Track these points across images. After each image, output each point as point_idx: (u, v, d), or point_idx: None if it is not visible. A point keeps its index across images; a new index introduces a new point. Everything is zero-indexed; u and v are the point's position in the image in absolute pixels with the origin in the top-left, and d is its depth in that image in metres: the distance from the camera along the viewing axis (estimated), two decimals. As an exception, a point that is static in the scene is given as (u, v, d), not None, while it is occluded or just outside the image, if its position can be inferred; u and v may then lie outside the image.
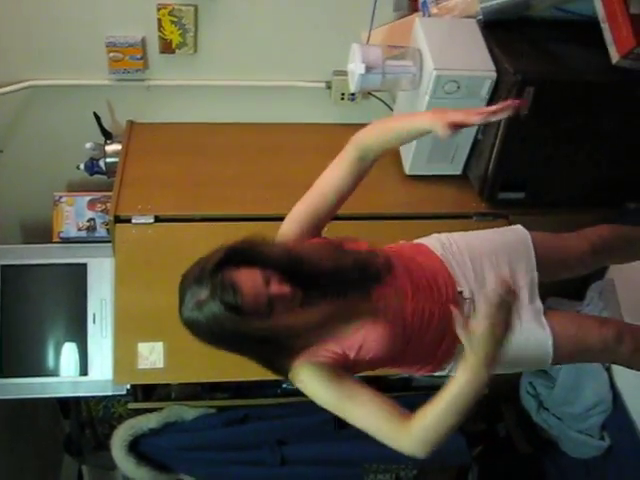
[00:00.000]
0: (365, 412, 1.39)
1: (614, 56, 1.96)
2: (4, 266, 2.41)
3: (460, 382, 1.28)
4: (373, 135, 1.59)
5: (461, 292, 1.60)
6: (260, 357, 1.46)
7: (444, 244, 1.69)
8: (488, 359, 1.25)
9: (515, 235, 1.77)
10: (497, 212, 2.25)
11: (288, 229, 1.58)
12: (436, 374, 1.66)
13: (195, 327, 1.41)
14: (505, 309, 1.23)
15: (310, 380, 1.39)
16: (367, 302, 1.45)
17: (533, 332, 1.63)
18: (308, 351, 1.38)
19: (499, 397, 2.81)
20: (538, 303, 1.68)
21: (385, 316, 1.45)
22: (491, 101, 2.07)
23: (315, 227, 1.58)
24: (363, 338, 1.42)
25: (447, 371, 1.63)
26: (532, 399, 2.63)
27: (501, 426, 2.96)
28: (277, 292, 1.32)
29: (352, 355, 1.42)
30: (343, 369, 1.40)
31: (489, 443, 2.90)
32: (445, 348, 1.57)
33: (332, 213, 1.60)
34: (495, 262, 1.67)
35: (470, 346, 1.26)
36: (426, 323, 1.52)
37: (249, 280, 1.32)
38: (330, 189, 1.60)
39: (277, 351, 1.39)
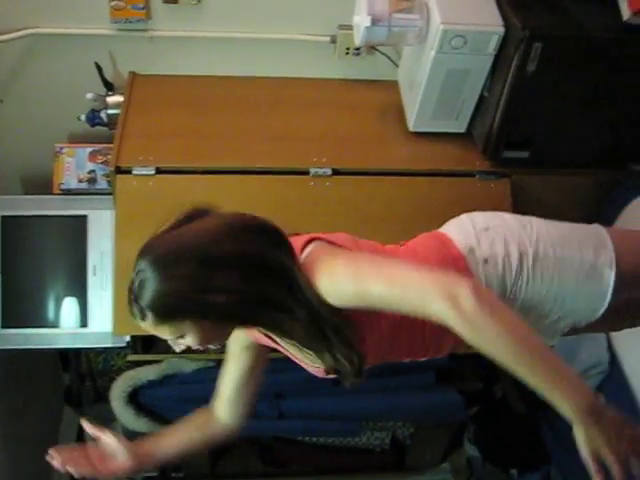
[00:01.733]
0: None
1: (625, 12, 1.93)
2: (4, 217, 2.40)
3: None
4: None
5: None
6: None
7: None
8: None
9: (592, 300, 1.49)
10: (500, 171, 2.23)
11: None
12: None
13: None
14: None
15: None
16: None
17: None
18: None
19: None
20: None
21: None
22: (498, 57, 2.04)
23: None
24: None
25: None
26: (529, 360, 2.64)
27: (498, 387, 2.98)
28: None
29: None
30: None
31: (485, 403, 2.93)
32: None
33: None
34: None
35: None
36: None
37: None
38: None
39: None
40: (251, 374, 1.57)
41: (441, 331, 1.23)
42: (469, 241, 1.46)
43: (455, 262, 1.43)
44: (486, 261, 1.43)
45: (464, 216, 1.56)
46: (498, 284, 1.43)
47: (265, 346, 1.49)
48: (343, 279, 1.22)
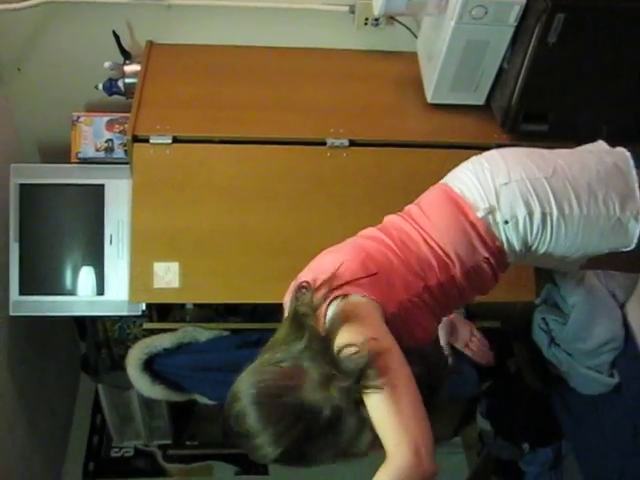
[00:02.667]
0: None
1: (649, -18, 1.90)
2: (22, 185, 2.42)
3: None
4: None
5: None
6: None
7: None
8: None
9: (615, 247, 1.50)
10: (519, 144, 2.19)
11: None
12: None
13: None
14: None
15: None
16: None
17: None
18: None
19: (511, 333, 2.82)
20: None
21: None
22: (519, 28, 2.01)
23: None
24: None
25: None
26: (544, 335, 2.63)
27: (512, 362, 2.98)
28: None
29: None
30: None
31: (499, 378, 2.94)
32: None
33: None
34: None
35: None
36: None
37: None
38: None
39: None
40: None
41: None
42: (488, 200, 1.44)
43: (474, 228, 1.42)
44: (507, 222, 1.43)
45: (484, 161, 1.53)
46: (519, 242, 1.44)
47: None
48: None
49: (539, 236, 1.44)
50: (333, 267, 1.31)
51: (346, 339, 1.19)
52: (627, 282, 2.39)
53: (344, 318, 1.22)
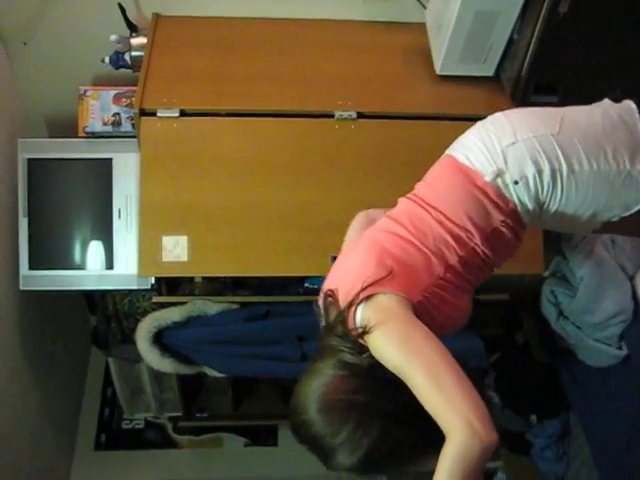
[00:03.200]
0: None
1: (663, -51, 1.87)
2: (30, 159, 2.42)
3: None
4: None
5: None
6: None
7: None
8: None
9: (627, 203, 1.49)
10: (529, 115, 2.19)
11: None
12: None
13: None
14: None
15: None
16: None
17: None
18: None
19: (519, 305, 2.82)
20: None
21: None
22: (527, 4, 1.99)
23: None
24: None
25: None
26: (552, 307, 2.63)
27: (520, 334, 2.99)
28: None
29: None
30: None
31: (507, 350, 2.95)
32: None
33: None
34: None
35: None
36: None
37: None
38: None
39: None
40: None
41: None
42: (496, 163, 1.43)
43: (484, 194, 1.42)
44: (516, 183, 1.42)
45: (489, 125, 1.52)
46: (532, 201, 1.43)
47: None
48: (393, 349, 1.22)
49: (550, 193, 1.43)
50: (352, 271, 1.35)
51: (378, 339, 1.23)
52: (636, 254, 2.39)
53: (372, 319, 1.24)
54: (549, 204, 1.45)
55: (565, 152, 1.42)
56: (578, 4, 1.90)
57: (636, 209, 1.49)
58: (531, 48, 2.04)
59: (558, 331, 2.66)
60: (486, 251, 1.42)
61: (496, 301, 2.46)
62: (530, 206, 1.44)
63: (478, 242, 1.41)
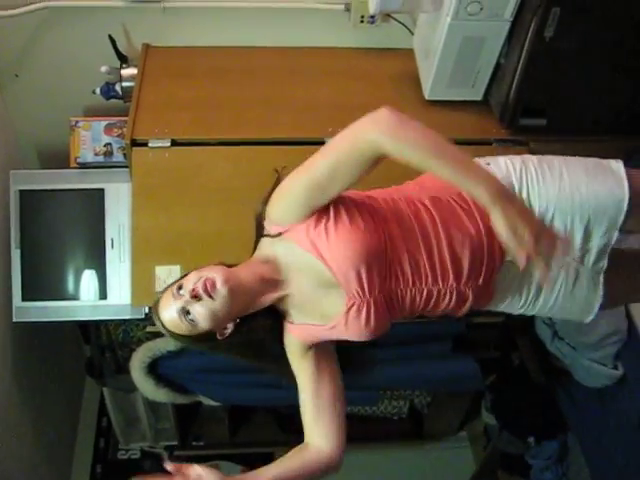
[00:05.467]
0: None
1: (646, -25, 1.89)
2: (22, 191, 2.42)
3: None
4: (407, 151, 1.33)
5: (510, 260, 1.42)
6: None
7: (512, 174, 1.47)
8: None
9: (610, 187, 1.47)
10: (518, 138, 2.21)
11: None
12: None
13: None
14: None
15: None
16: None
17: (584, 302, 1.55)
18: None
19: (514, 327, 2.82)
20: (603, 262, 1.50)
21: (355, 322, 1.40)
22: (515, 23, 2.01)
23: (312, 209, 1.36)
24: (337, 334, 1.43)
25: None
26: (547, 328, 2.64)
27: (515, 355, 2.99)
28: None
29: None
30: None
31: (503, 372, 2.94)
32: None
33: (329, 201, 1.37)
34: (569, 222, 1.44)
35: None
36: (434, 303, 1.43)
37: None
38: (337, 177, 1.35)
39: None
40: (321, 382, 1.46)
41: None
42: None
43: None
44: (488, 164, 1.48)
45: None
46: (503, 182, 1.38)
47: (317, 345, 1.46)
48: (289, 185, 1.36)
49: (522, 175, 1.46)
50: None
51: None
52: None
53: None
54: (524, 191, 1.45)
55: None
56: (563, 29, 1.92)
57: (627, 201, 1.46)
58: (518, 72, 2.06)
59: (553, 352, 2.67)
60: (432, 211, 1.43)
61: (491, 323, 2.47)
62: None
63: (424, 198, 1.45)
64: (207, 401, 2.49)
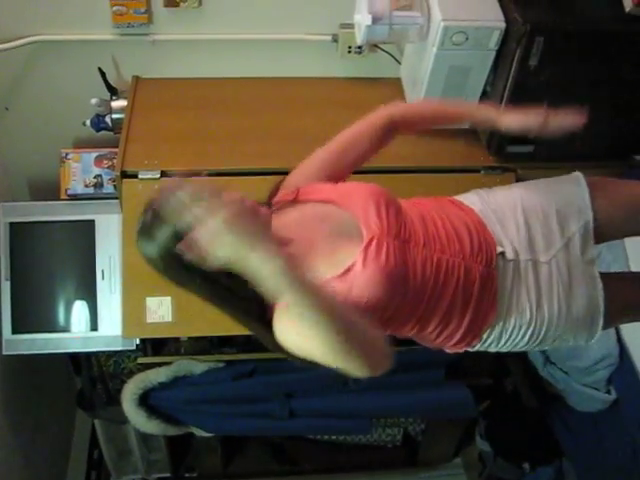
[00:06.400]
0: None
1: (628, 4, 1.92)
2: (13, 223, 2.43)
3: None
4: (413, 112, 1.61)
5: (502, 253, 1.45)
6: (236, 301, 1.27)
7: (483, 198, 1.57)
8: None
9: (565, 182, 1.64)
10: (505, 166, 2.23)
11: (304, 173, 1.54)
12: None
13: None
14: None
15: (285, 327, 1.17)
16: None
17: (585, 296, 1.51)
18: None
19: (506, 353, 2.82)
20: (591, 252, 1.54)
21: (375, 261, 1.28)
22: (500, 52, 2.04)
23: (328, 177, 1.50)
24: (352, 279, 1.25)
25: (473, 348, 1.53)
26: (539, 354, 2.64)
27: (508, 381, 2.98)
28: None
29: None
30: None
31: (496, 398, 2.94)
32: (472, 317, 1.41)
33: (345, 172, 1.54)
34: (541, 214, 1.54)
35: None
36: (443, 277, 1.36)
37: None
38: (351, 148, 1.56)
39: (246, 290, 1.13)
40: None
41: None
42: None
43: None
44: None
45: None
46: None
47: None
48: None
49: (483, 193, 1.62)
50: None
51: None
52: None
53: None
54: None
55: None
56: (547, 58, 1.95)
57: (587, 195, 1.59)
58: (504, 100, 2.08)
59: (546, 377, 2.67)
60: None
61: (482, 350, 2.46)
62: None
63: None
64: (199, 432, 2.47)
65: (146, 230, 1.17)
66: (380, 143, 1.54)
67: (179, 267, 1.13)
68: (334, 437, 2.94)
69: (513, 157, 2.21)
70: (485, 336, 1.48)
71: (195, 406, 2.36)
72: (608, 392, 2.48)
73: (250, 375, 2.33)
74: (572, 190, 1.61)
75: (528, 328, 1.47)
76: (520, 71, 1.99)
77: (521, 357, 2.78)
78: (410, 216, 1.41)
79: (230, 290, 1.22)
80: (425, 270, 1.35)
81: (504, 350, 1.56)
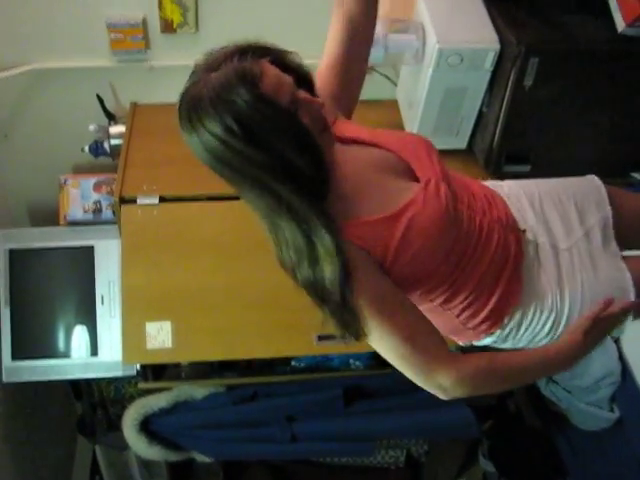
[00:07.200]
0: (413, 321, 1.22)
1: (620, 24, 1.94)
2: (12, 250, 2.43)
3: (559, 351, 1.27)
4: None
5: (524, 230, 1.44)
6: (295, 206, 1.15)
7: (496, 184, 1.56)
8: (593, 344, 1.29)
9: (580, 178, 1.64)
10: (503, 185, 2.24)
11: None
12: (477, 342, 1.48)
13: (206, 134, 1.14)
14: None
15: (361, 264, 1.16)
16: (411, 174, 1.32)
17: (612, 282, 1.45)
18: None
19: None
20: (613, 246, 1.49)
21: (436, 199, 1.25)
22: (495, 73, 2.05)
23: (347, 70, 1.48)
24: (411, 216, 1.21)
25: (490, 339, 1.45)
26: (541, 372, 2.63)
27: (511, 401, 2.97)
28: (306, 98, 1.15)
29: (393, 247, 1.20)
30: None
31: (499, 418, 2.92)
32: (502, 293, 1.37)
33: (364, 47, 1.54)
34: (557, 200, 1.51)
35: (589, 327, 1.28)
36: (484, 238, 1.34)
37: (274, 74, 1.13)
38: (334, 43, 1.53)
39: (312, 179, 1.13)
40: None
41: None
42: None
43: None
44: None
45: None
46: None
47: None
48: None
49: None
50: None
51: None
52: (620, 316, 2.40)
53: None
54: None
55: None
56: (542, 78, 1.96)
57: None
58: (500, 120, 2.09)
59: (548, 396, 2.65)
60: None
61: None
62: None
63: None
64: (201, 457, 2.45)
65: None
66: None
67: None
68: (336, 459, 2.92)
69: (510, 176, 2.20)
70: (506, 321, 1.41)
71: (196, 431, 2.34)
72: (611, 410, 2.47)
73: (251, 399, 2.32)
74: (588, 184, 1.59)
75: (550, 314, 1.41)
76: (516, 91, 2.01)
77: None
78: (453, 175, 1.39)
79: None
80: (470, 227, 1.33)
81: (522, 344, 1.47)
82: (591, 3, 2.02)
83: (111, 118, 2.45)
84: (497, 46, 2.00)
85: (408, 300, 1.25)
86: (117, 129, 2.43)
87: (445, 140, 2.27)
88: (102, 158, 2.48)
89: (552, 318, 1.42)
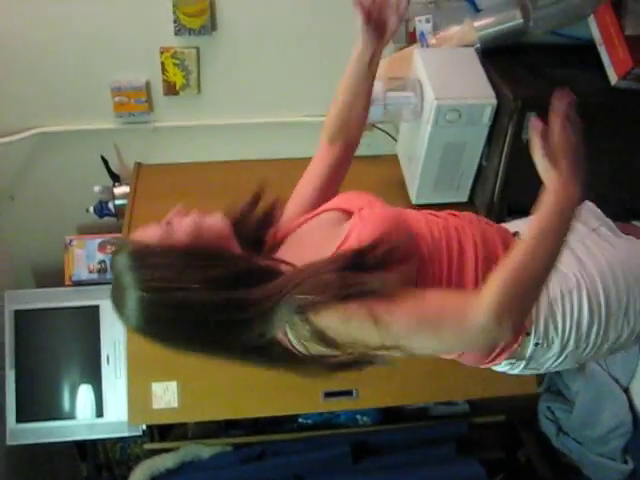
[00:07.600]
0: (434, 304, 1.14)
1: (613, 77, 1.98)
2: (17, 311, 2.43)
3: (547, 207, 1.16)
4: (331, 112, 1.60)
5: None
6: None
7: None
8: (572, 167, 1.17)
9: None
10: (505, 237, 2.24)
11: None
12: None
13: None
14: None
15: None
16: None
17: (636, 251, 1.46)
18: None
19: (518, 423, 2.77)
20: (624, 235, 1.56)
21: (373, 211, 1.32)
22: (493, 127, 2.08)
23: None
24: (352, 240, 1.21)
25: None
26: (551, 424, 2.60)
27: (521, 453, 2.92)
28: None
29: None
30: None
31: (510, 471, 2.87)
32: None
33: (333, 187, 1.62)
34: None
35: (548, 160, 1.19)
36: (455, 234, 1.35)
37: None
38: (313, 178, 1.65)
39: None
40: None
41: None
42: None
43: None
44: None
45: None
46: None
47: None
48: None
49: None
50: None
51: None
52: (628, 365, 2.38)
53: None
54: None
55: None
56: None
57: None
58: (500, 173, 2.12)
59: (559, 447, 2.61)
60: None
61: (493, 423, 2.44)
62: None
63: None
64: (208, 519, 2.42)
65: None
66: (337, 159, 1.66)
67: None
68: (346, 517, 2.87)
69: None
70: (534, 315, 1.33)
71: (203, 492, 2.31)
72: (625, 462, 2.43)
73: (259, 458, 2.29)
74: (583, 206, 1.55)
75: (580, 292, 1.36)
76: (513, 145, 2.04)
77: (534, 427, 2.74)
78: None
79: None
80: (432, 230, 1.34)
81: (568, 334, 1.36)
82: (584, 58, 2.07)
83: (115, 179, 2.49)
84: (494, 101, 2.03)
85: (419, 291, 1.18)
86: (121, 190, 2.46)
87: (446, 194, 2.29)
88: (107, 218, 2.51)
89: (586, 296, 1.36)
